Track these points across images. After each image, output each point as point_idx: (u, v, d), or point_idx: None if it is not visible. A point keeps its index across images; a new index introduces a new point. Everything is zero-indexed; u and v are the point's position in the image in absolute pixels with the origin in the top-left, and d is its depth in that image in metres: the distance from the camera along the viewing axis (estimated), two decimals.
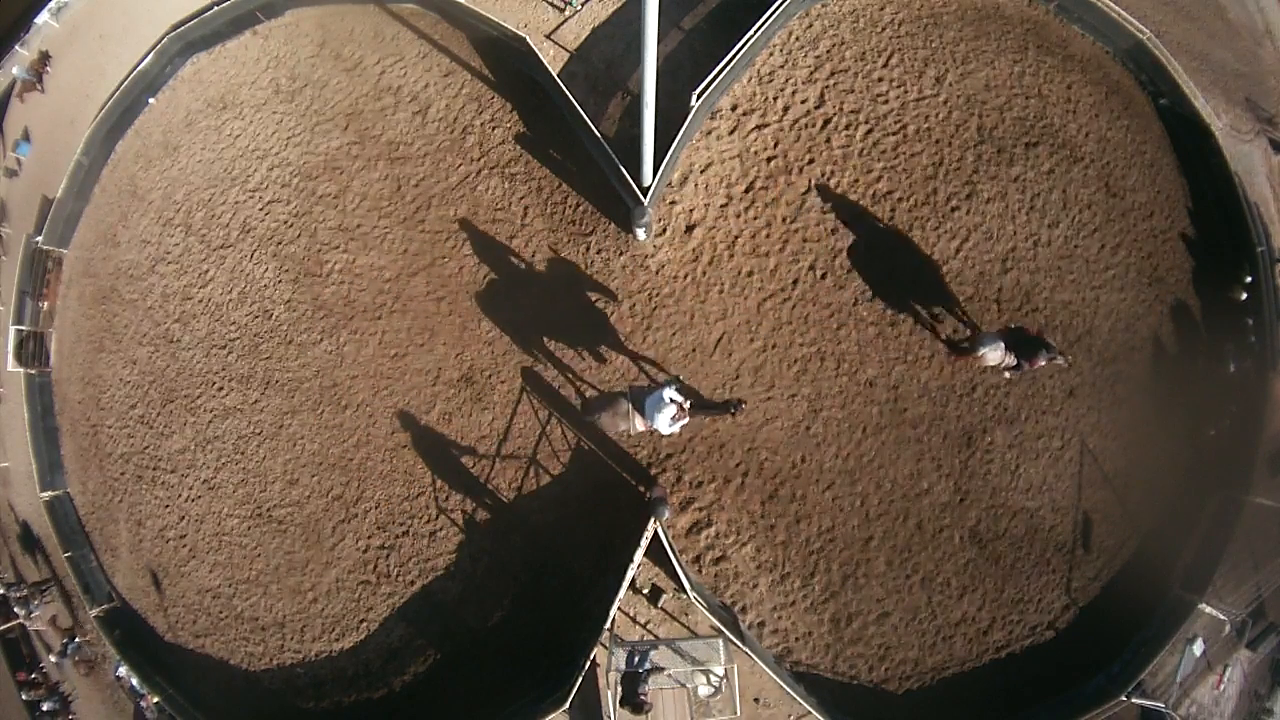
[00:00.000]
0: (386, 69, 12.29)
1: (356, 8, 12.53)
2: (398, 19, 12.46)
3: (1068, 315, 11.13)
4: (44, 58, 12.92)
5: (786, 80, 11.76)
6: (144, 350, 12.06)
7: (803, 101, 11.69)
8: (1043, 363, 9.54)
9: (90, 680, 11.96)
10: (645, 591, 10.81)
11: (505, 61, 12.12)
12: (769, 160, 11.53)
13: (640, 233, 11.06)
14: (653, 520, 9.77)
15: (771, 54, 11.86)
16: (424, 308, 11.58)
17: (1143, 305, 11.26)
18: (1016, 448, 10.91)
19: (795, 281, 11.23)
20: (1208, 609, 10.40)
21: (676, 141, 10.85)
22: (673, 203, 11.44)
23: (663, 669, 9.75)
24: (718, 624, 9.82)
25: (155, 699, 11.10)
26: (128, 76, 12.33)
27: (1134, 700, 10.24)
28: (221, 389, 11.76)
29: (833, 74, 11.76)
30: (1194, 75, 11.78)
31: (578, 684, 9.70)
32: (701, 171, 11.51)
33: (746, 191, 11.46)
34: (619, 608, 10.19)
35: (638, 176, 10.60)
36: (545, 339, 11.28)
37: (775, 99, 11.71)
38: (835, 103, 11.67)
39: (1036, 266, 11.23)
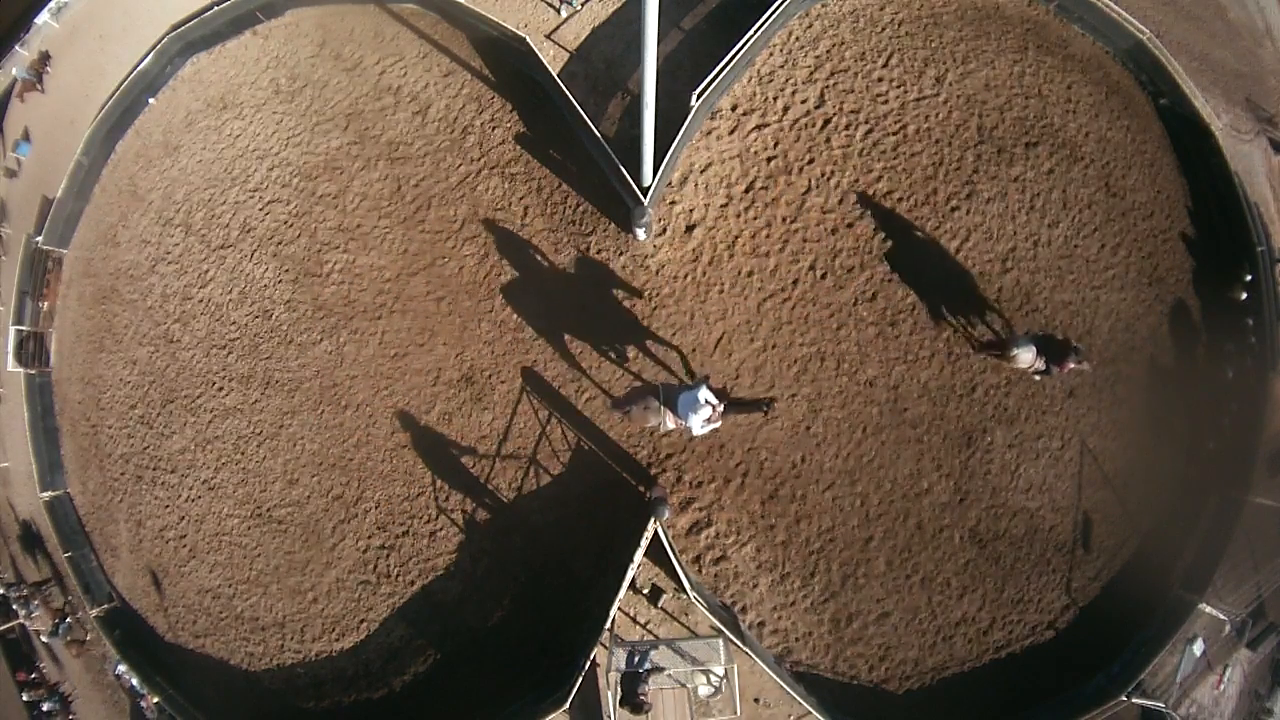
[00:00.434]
0: (386, 69, 12.29)
1: (356, 8, 12.53)
2: (398, 19, 12.46)
3: (1068, 315, 11.13)
4: (44, 58, 12.93)
5: (786, 80, 11.76)
6: (144, 350, 12.06)
7: (803, 101, 11.69)
8: (1071, 366, 9.59)
9: (81, 662, 11.95)
10: (645, 591, 10.81)
11: (505, 61, 12.12)
12: (769, 160, 11.54)
13: (640, 233, 11.06)
14: (653, 520, 9.77)
15: (771, 54, 11.86)
16: (424, 308, 11.58)
17: (1143, 305, 11.26)
18: (1016, 448, 10.91)
19: (795, 281, 11.23)
20: (1208, 609, 10.40)
21: (676, 141, 10.85)
22: (673, 203, 11.44)
23: (663, 669, 9.74)
24: (718, 624, 9.82)
25: (155, 699, 11.11)
26: (128, 76, 12.34)
27: (1134, 700, 10.24)
28: (221, 389, 11.77)
29: (833, 74, 11.77)
30: (1194, 75, 11.79)
31: (578, 684, 9.70)
32: (701, 171, 11.51)
33: (746, 191, 11.46)
34: (619, 608, 10.19)
35: (638, 176, 10.60)
36: (545, 339, 11.28)
37: (775, 99, 11.71)
38: (835, 103, 11.67)
39: (1036, 266, 11.23)
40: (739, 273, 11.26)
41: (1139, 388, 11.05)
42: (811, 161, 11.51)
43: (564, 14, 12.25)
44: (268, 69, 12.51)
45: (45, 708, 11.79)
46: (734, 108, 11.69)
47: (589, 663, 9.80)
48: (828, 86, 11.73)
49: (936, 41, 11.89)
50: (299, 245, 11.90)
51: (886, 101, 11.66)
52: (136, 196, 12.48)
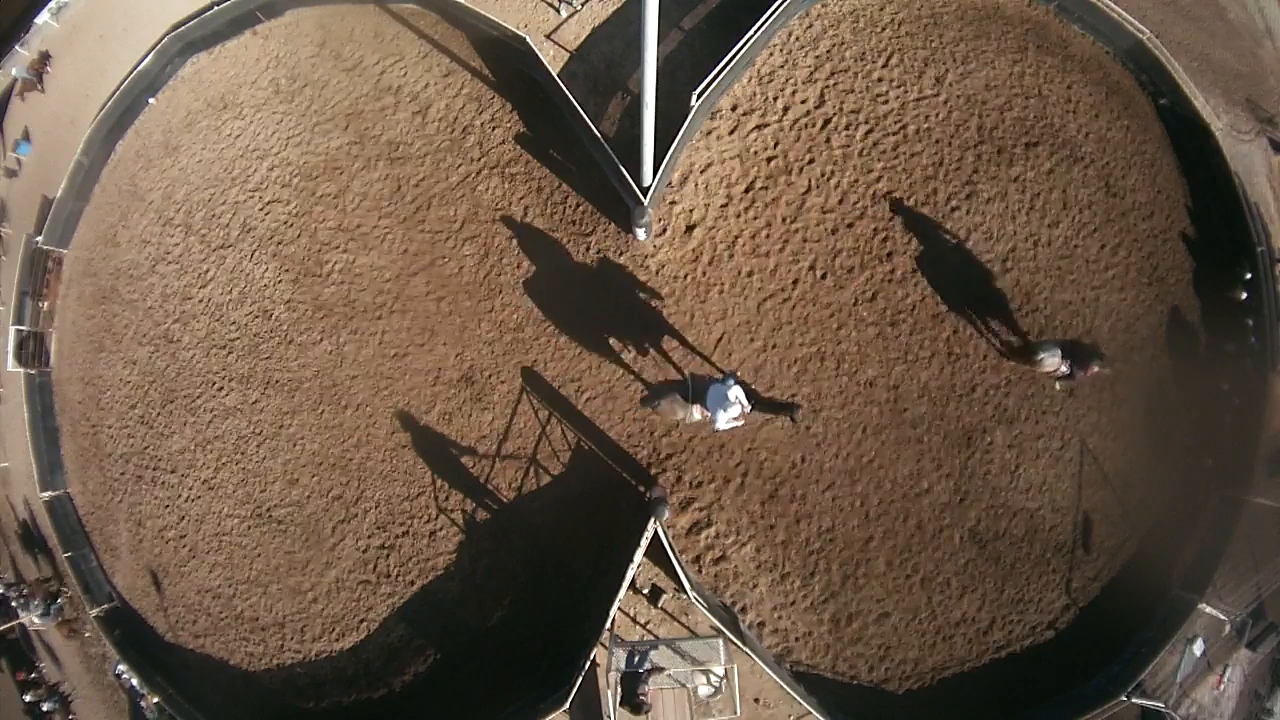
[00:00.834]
0: (386, 69, 12.29)
1: (356, 8, 12.54)
2: (398, 19, 12.46)
3: (1068, 315, 11.13)
4: (44, 58, 12.92)
5: (786, 80, 11.77)
6: (144, 350, 12.06)
7: (803, 101, 11.69)
8: (1095, 370, 9.84)
9: (81, 662, 11.95)
10: (645, 591, 10.81)
11: (505, 61, 12.12)
12: (769, 160, 11.54)
13: (640, 233, 11.06)
14: (653, 520, 9.77)
15: (771, 54, 11.86)
16: (424, 308, 11.58)
17: (1143, 305, 11.26)
18: (1016, 448, 10.91)
19: (795, 281, 11.23)
20: (1208, 609, 10.39)
21: (676, 141, 10.85)
22: (673, 203, 11.44)
23: (663, 669, 9.74)
24: (718, 624, 9.82)
25: (155, 699, 11.10)
26: (128, 76, 12.34)
27: (1134, 700, 10.23)
28: (221, 389, 11.77)
29: (833, 74, 11.77)
30: (1194, 75, 11.79)
31: (578, 684, 9.70)
32: (701, 171, 11.51)
33: (746, 191, 11.46)
34: (619, 608, 10.19)
35: (638, 176, 10.60)
36: (545, 339, 11.28)
37: (775, 99, 11.71)
38: (835, 103, 11.67)
39: (1036, 266, 11.23)
40: (739, 273, 11.26)
41: (1139, 388, 11.04)
42: (811, 161, 11.51)
43: (564, 14, 12.25)
44: (268, 69, 12.51)
45: (45, 708, 11.79)
46: (734, 108, 11.69)
47: (589, 663, 9.80)
48: (828, 86, 11.73)
49: (936, 41, 11.89)
50: (299, 245, 11.90)
51: (886, 101, 11.66)
52: (136, 196, 12.48)
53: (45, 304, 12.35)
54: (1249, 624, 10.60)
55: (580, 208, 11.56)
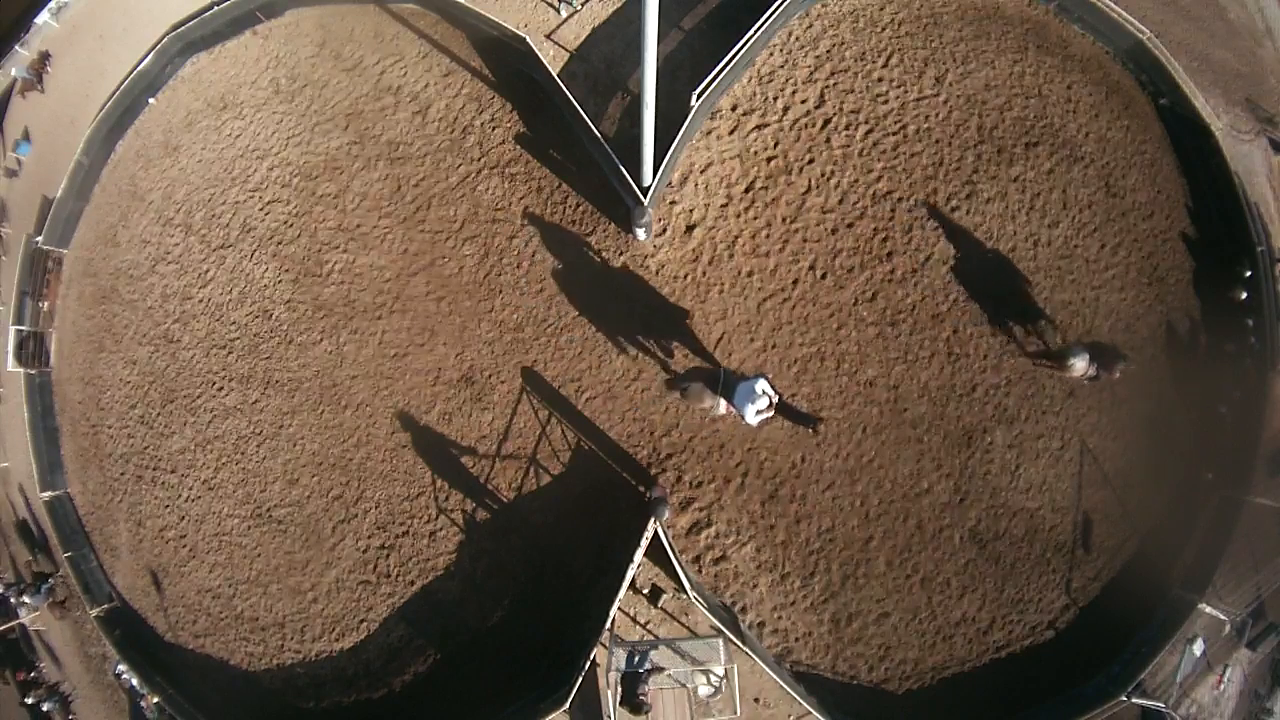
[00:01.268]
0: (386, 69, 12.29)
1: (356, 8, 12.54)
2: (398, 19, 12.46)
3: (1068, 315, 11.13)
4: (44, 57, 12.93)
5: (786, 80, 11.76)
6: (144, 350, 12.06)
7: (803, 101, 11.69)
8: (1119, 372, 10.06)
9: (81, 662, 11.95)
10: (645, 591, 10.81)
11: (505, 61, 12.12)
12: (769, 160, 11.53)
13: (640, 233, 11.06)
14: (653, 520, 9.77)
15: (771, 54, 11.86)
16: (424, 308, 11.58)
17: (1143, 305, 11.26)
18: (1016, 448, 10.91)
19: (795, 281, 11.23)
20: (1208, 609, 10.39)
21: (676, 141, 10.85)
22: (673, 203, 11.44)
23: (663, 669, 9.74)
24: (718, 624, 9.82)
25: (155, 699, 11.10)
26: (128, 76, 12.35)
27: (1134, 700, 10.23)
28: (221, 389, 11.77)
29: (833, 74, 11.76)
30: (1194, 75, 11.79)
31: (578, 684, 9.70)
32: (701, 171, 11.51)
33: (746, 191, 11.46)
34: (619, 608, 10.19)
35: (638, 176, 10.60)
36: (545, 339, 11.28)
37: (775, 99, 11.71)
38: (835, 103, 11.67)
39: (1036, 266, 11.22)
40: (739, 273, 11.26)
41: (1139, 387, 11.04)
42: (811, 161, 11.51)
43: (564, 14, 12.25)
44: (268, 69, 12.51)
45: (45, 708, 11.79)
46: (734, 108, 11.69)
47: (589, 663, 9.80)
48: (828, 86, 11.73)
49: (936, 41, 11.89)
50: (299, 245, 11.90)
51: (886, 101, 11.66)
52: (136, 196, 12.48)
53: (45, 304, 12.35)
54: (1249, 624, 10.61)
55: (580, 208, 11.56)
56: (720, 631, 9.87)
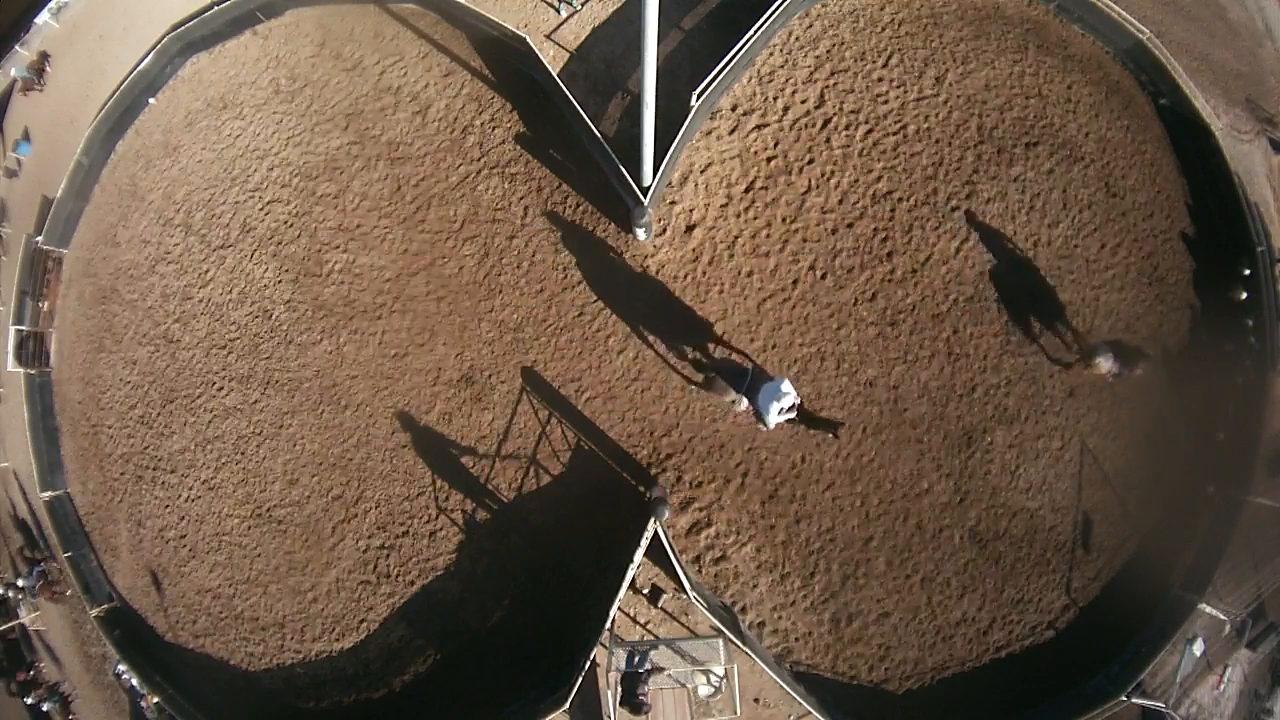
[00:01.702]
0: (386, 69, 12.29)
1: (356, 8, 12.53)
2: (398, 19, 12.46)
3: (1068, 315, 11.12)
4: (44, 57, 12.93)
5: (786, 80, 11.76)
6: (144, 350, 12.06)
7: (803, 101, 11.69)
8: (1141, 370, 10.25)
9: (81, 662, 11.95)
10: (645, 591, 10.81)
11: (505, 61, 12.12)
12: (769, 160, 11.53)
13: (640, 233, 11.06)
14: (653, 520, 9.77)
15: (771, 54, 11.86)
16: (424, 308, 11.58)
17: (1143, 305, 11.26)
18: (1016, 448, 10.91)
19: (795, 281, 11.23)
20: (1208, 609, 10.40)
21: (676, 141, 10.85)
22: (673, 203, 11.44)
23: (663, 669, 9.75)
24: (718, 624, 9.82)
25: (155, 699, 11.10)
26: (128, 76, 12.34)
27: (1134, 700, 10.24)
28: (221, 389, 11.76)
29: (833, 74, 11.76)
30: (1194, 75, 11.79)
31: (578, 684, 9.70)
32: (701, 171, 11.51)
33: (746, 191, 11.46)
34: (619, 608, 10.19)
35: (638, 176, 10.60)
36: (545, 339, 11.28)
37: (775, 99, 11.71)
38: (835, 103, 11.67)
39: (1036, 266, 11.22)
40: (739, 273, 11.26)
41: (1139, 387, 11.03)
42: (811, 161, 11.51)
43: (564, 14, 12.25)
44: (268, 69, 12.51)
45: (45, 708, 11.79)
46: (734, 108, 11.69)
47: (589, 663, 9.80)
48: (828, 86, 11.73)
49: (936, 41, 11.89)
50: (299, 245, 11.90)
51: (886, 101, 11.66)
52: (136, 196, 12.48)
53: (45, 304, 12.35)
54: (1249, 624, 10.61)
55: (580, 208, 11.56)
56: (720, 631, 9.87)
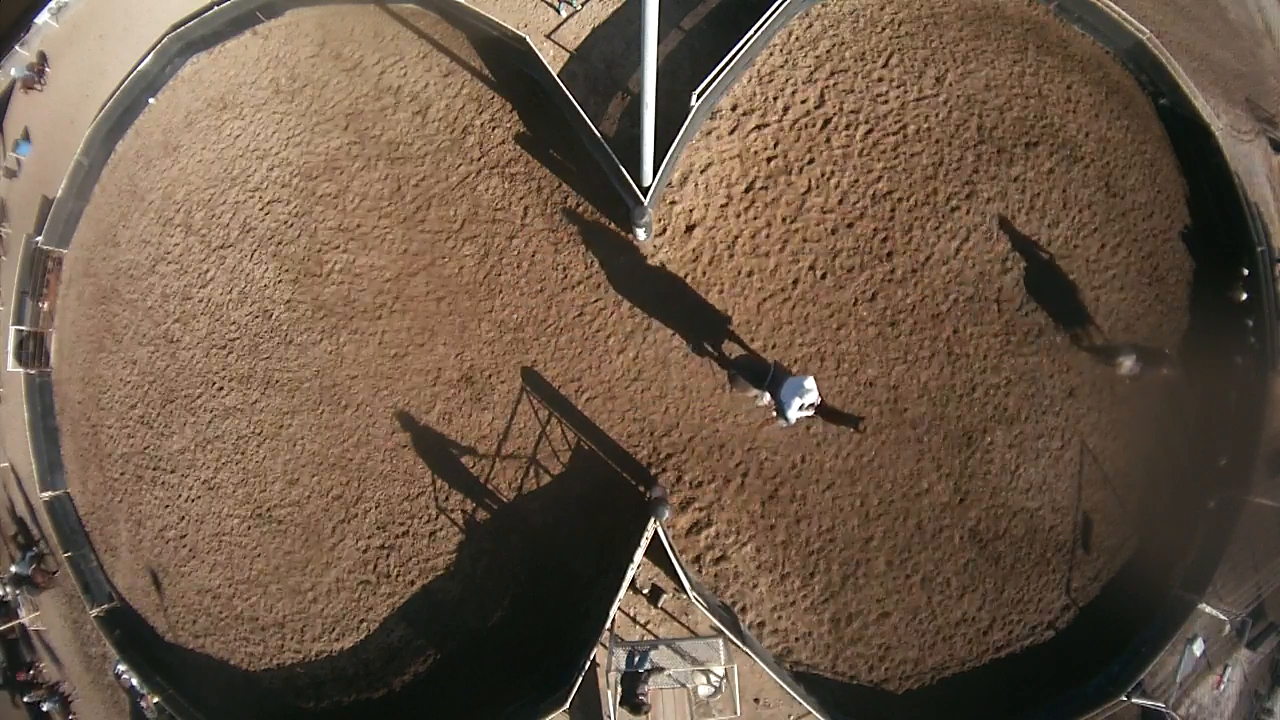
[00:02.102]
0: (386, 69, 12.29)
1: (356, 8, 12.53)
2: (398, 19, 12.46)
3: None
4: (43, 58, 12.93)
5: (786, 80, 11.76)
6: (144, 350, 12.06)
7: (803, 101, 11.69)
8: (1165, 370, 10.49)
9: (81, 662, 11.94)
10: (645, 591, 10.80)
11: (505, 61, 12.12)
12: (769, 160, 11.53)
13: (640, 233, 11.06)
14: (653, 520, 9.77)
15: (771, 54, 11.86)
16: (424, 308, 11.58)
17: (1143, 305, 11.26)
18: (1016, 448, 10.90)
19: (795, 281, 11.23)
20: (1208, 609, 10.40)
21: (676, 141, 10.85)
22: (673, 203, 11.44)
23: (663, 669, 9.74)
24: (718, 624, 9.82)
25: (155, 699, 11.10)
26: (128, 76, 12.35)
27: (1134, 700, 10.23)
28: (221, 389, 11.76)
29: (833, 74, 11.76)
30: (1194, 75, 11.79)
31: (578, 684, 9.70)
32: (701, 171, 11.51)
33: (746, 191, 11.46)
34: (619, 608, 10.19)
35: (638, 176, 10.60)
36: (545, 339, 11.28)
37: (775, 99, 11.71)
38: (835, 103, 11.67)
39: (1037, 267, 11.22)
40: (739, 272, 11.26)
41: (1139, 388, 11.03)
42: (811, 161, 11.51)
43: (564, 14, 12.25)
44: (268, 69, 12.51)
45: (45, 708, 11.78)
46: (734, 108, 11.69)
47: (589, 663, 9.80)
48: (828, 86, 11.73)
49: (936, 41, 11.89)
50: (299, 245, 11.90)
51: (886, 101, 11.66)
52: (136, 196, 12.48)
53: (45, 304, 12.35)
54: (1249, 624, 10.61)
55: (580, 208, 11.56)
56: (720, 631, 9.87)
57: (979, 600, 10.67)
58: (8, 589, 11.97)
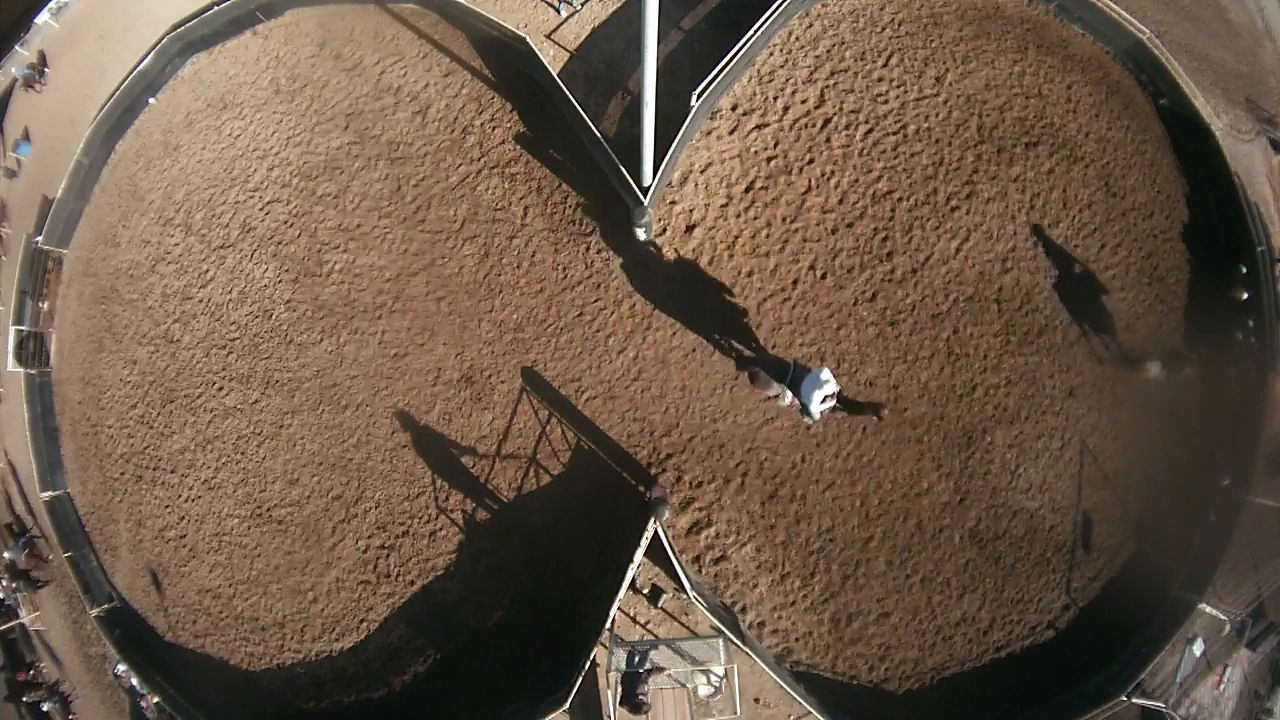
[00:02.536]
0: (386, 69, 12.29)
1: (356, 8, 12.54)
2: (398, 19, 12.46)
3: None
4: (43, 58, 12.93)
5: (786, 80, 11.76)
6: (144, 350, 12.06)
7: (803, 101, 11.69)
8: (1189, 369, 10.69)
9: (82, 662, 11.95)
10: (645, 591, 10.80)
11: (505, 61, 12.12)
12: (769, 160, 11.53)
13: (640, 233, 11.06)
14: (653, 520, 9.77)
15: (771, 54, 11.86)
16: (424, 308, 11.58)
17: (1143, 305, 11.25)
18: (1016, 448, 10.90)
19: (795, 281, 11.23)
20: (1208, 609, 10.40)
21: (676, 141, 10.85)
22: (673, 203, 11.44)
23: (663, 669, 9.74)
24: (718, 624, 9.82)
25: (155, 699, 11.10)
26: (128, 76, 12.35)
27: (1134, 700, 10.23)
28: (221, 389, 11.77)
29: (833, 74, 11.76)
30: (1194, 75, 11.78)
31: (578, 684, 9.70)
32: (701, 171, 11.51)
33: (746, 191, 11.46)
34: (619, 608, 10.19)
35: (638, 176, 10.60)
36: (545, 339, 11.28)
37: (775, 99, 11.71)
38: (835, 103, 11.67)
39: (1037, 266, 11.23)
40: (739, 273, 11.26)
41: (1139, 388, 11.04)
42: (811, 161, 11.51)
43: (564, 14, 12.25)
44: (268, 69, 12.51)
45: (45, 708, 11.79)
46: (734, 108, 11.69)
47: (589, 663, 9.80)
48: (828, 86, 11.73)
49: (936, 41, 11.89)
50: (299, 245, 11.90)
51: (886, 101, 11.66)
52: (136, 196, 12.48)
53: (45, 304, 12.35)
54: (1249, 624, 10.61)
55: (580, 208, 11.56)
56: (720, 631, 9.87)
57: (979, 600, 10.67)
58: (4, 583, 11.94)
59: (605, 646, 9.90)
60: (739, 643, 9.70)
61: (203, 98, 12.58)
